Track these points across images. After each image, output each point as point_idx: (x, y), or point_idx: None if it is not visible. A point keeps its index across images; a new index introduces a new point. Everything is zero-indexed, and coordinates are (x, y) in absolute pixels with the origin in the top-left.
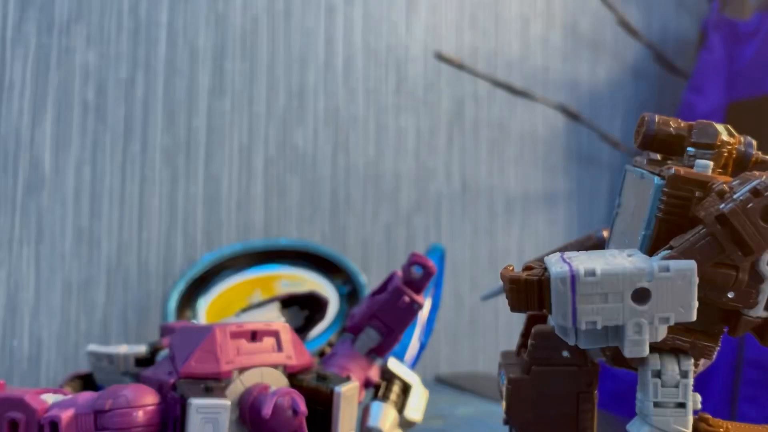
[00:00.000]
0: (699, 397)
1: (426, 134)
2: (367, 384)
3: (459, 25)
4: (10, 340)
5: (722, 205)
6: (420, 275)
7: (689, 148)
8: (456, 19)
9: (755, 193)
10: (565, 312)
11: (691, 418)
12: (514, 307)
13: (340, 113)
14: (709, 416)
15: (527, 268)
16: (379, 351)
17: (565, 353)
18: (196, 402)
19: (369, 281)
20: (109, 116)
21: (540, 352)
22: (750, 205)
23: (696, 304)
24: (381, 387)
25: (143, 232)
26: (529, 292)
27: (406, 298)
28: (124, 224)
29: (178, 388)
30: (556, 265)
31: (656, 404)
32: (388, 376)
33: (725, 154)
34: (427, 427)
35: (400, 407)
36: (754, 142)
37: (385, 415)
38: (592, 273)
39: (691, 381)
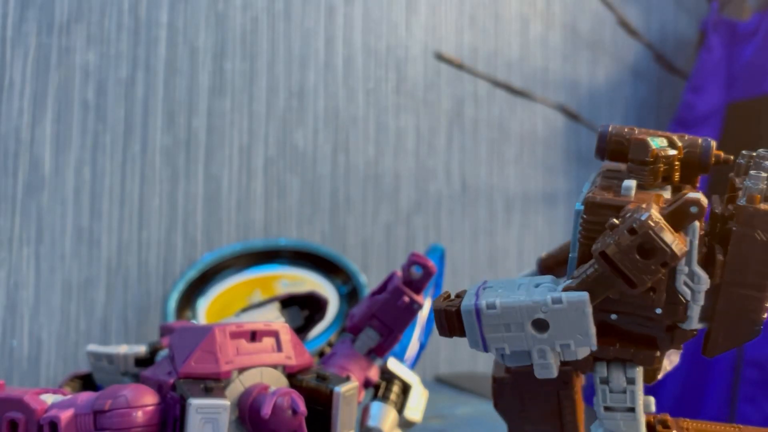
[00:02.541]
0: (652, 400)
1: (426, 134)
2: (366, 384)
3: (459, 25)
4: (10, 340)
5: (604, 243)
6: (420, 275)
7: (629, 164)
8: (456, 19)
9: (631, 231)
10: (476, 340)
11: (641, 421)
12: (441, 333)
13: (340, 113)
14: (668, 417)
15: (447, 297)
16: (378, 351)
17: None
18: (195, 402)
19: (369, 281)
20: (109, 116)
21: None
22: (627, 243)
23: (593, 331)
24: (381, 387)
25: (143, 232)
26: (449, 321)
27: (406, 298)
28: (124, 224)
29: (177, 388)
30: (467, 298)
31: (607, 408)
32: (387, 376)
33: (663, 167)
34: (427, 427)
35: (400, 407)
36: (713, 143)
37: (384, 415)
38: (493, 306)
39: (637, 387)
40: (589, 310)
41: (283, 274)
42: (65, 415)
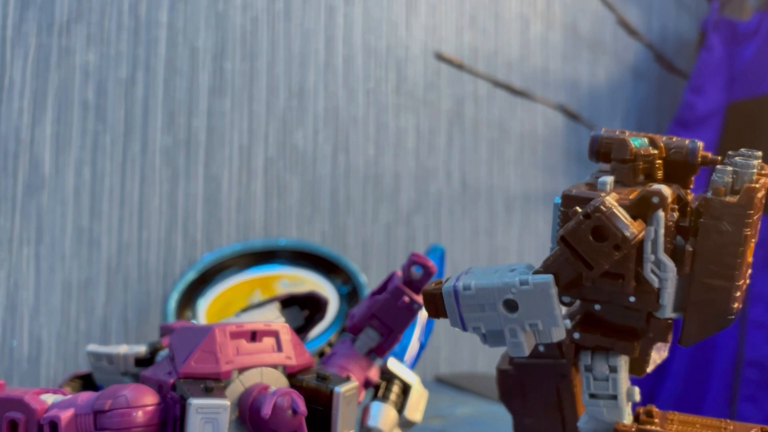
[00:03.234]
0: (637, 389)
1: (426, 134)
2: (366, 384)
3: (459, 25)
4: (9, 340)
5: (564, 228)
6: (420, 275)
7: (612, 162)
8: (456, 19)
9: (586, 215)
10: (455, 319)
11: (624, 409)
12: (430, 315)
13: (340, 113)
14: (653, 408)
15: (438, 283)
16: (378, 351)
17: (541, 347)
18: (195, 402)
19: (369, 281)
20: (109, 116)
21: None
22: (582, 226)
23: (559, 312)
24: (381, 387)
25: (143, 232)
26: (434, 302)
27: (406, 298)
28: (124, 224)
29: (177, 388)
30: (449, 281)
31: (591, 395)
32: (387, 376)
33: (642, 165)
34: (427, 427)
35: (400, 407)
36: (700, 144)
37: (384, 415)
38: (469, 288)
39: (620, 375)
40: (554, 291)
41: (283, 274)
42: (65, 415)
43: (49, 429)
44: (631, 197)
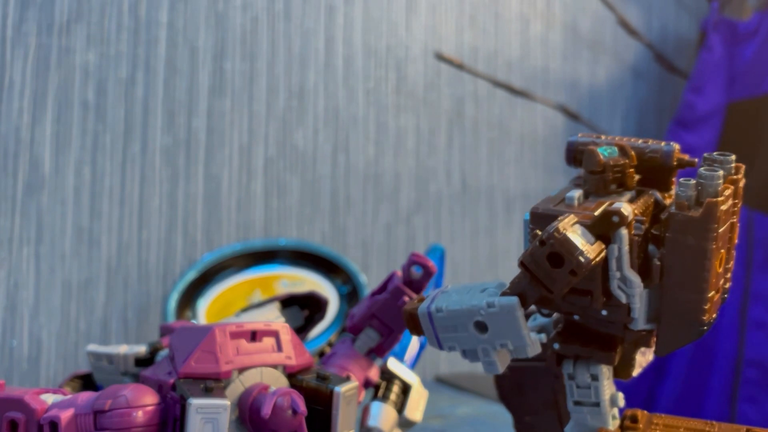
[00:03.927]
0: (621, 395)
1: (426, 134)
2: (367, 384)
3: (459, 25)
4: (9, 340)
5: (524, 253)
6: (420, 275)
7: (584, 173)
8: (456, 19)
9: (541, 243)
10: (432, 339)
11: (608, 415)
12: (411, 333)
13: (340, 113)
14: (638, 412)
15: (420, 300)
16: (378, 351)
17: None
18: (195, 402)
19: (369, 281)
20: (109, 116)
21: None
22: (538, 253)
23: (526, 332)
24: (381, 387)
25: (143, 232)
26: (412, 322)
27: (406, 298)
28: (124, 224)
29: (177, 388)
30: (425, 302)
31: (576, 403)
32: (387, 376)
33: (613, 175)
34: (427, 427)
35: (400, 407)
36: (676, 146)
37: (384, 415)
38: (441, 310)
39: (602, 383)
40: (520, 313)
41: (283, 274)
42: (65, 415)
43: (49, 429)
44: (596, 213)
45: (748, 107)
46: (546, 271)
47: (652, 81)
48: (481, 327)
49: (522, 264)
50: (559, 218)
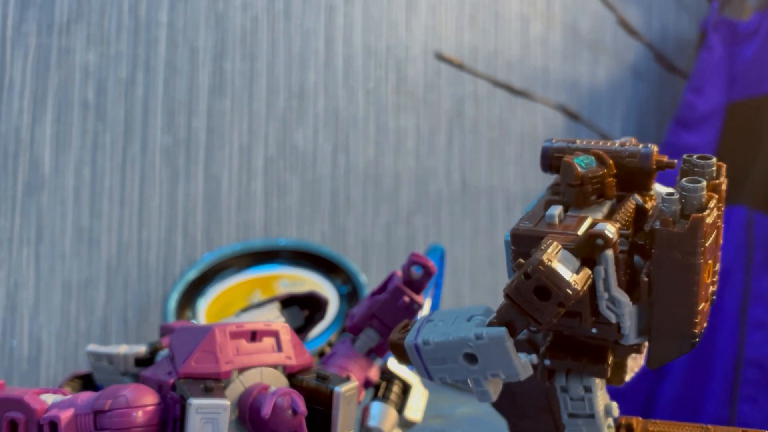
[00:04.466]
0: (615, 405)
1: (426, 134)
2: (367, 384)
3: (459, 25)
4: (9, 340)
5: (508, 284)
6: (420, 275)
7: (562, 185)
8: (456, 19)
9: (526, 276)
10: (421, 371)
11: (603, 426)
12: (398, 362)
13: (340, 113)
14: (634, 420)
15: (404, 326)
16: (378, 351)
17: None
18: (195, 402)
19: (369, 281)
20: (109, 116)
21: None
22: (524, 286)
23: (516, 361)
24: (381, 387)
25: (143, 232)
26: (398, 352)
27: (406, 298)
28: (124, 224)
29: (177, 388)
30: (410, 333)
31: (570, 415)
32: (388, 376)
33: (593, 187)
34: (427, 427)
35: (400, 407)
36: (654, 148)
37: (385, 415)
38: (428, 343)
39: (595, 394)
40: (509, 344)
41: (283, 274)
42: (65, 415)
43: (49, 429)
44: (579, 232)
45: (748, 107)
46: (533, 305)
47: (652, 81)
48: (471, 358)
49: (508, 296)
50: (542, 246)
